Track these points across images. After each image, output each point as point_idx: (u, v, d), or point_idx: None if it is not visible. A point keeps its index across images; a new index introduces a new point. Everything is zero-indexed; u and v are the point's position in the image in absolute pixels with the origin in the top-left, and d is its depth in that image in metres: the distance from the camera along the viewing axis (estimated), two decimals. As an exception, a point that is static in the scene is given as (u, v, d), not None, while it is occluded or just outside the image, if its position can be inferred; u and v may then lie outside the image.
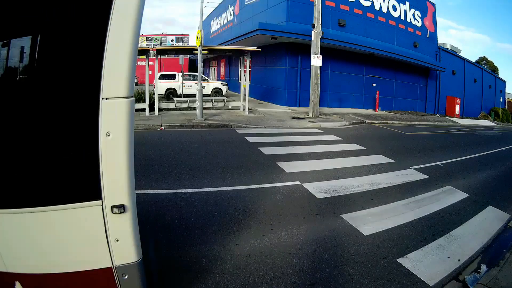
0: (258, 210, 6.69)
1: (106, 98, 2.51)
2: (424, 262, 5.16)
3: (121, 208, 2.66)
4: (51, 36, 2.52)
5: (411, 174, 10.14)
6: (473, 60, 53.91)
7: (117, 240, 2.74)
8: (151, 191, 7.48)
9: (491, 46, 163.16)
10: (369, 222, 6.44)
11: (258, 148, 12.07)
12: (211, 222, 6.04)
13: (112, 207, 2.64)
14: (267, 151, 11.67)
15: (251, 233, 5.70)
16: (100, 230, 2.68)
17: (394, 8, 31.90)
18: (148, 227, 5.67)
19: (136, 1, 2.48)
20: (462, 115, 38.28)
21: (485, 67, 60.09)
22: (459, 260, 5.31)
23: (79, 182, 2.64)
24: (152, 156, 10.68)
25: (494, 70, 69.21)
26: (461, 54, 43.21)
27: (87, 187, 2.64)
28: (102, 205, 2.64)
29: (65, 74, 2.55)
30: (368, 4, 29.72)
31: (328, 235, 5.81)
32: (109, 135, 2.54)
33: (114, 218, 2.67)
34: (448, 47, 40.89)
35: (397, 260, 5.12)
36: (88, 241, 2.74)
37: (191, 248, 5.09)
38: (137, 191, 7.11)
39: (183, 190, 7.55)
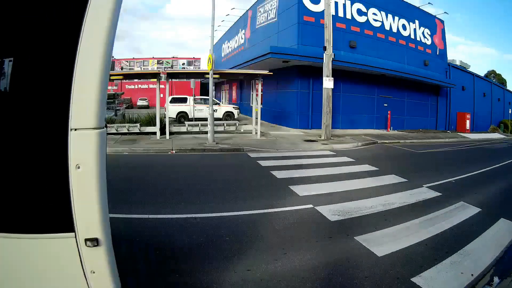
0: (270, 235, 6.70)
1: (75, 129, 2.46)
2: (438, 279, 5.14)
3: (94, 241, 2.61)
4: (17, 63, 2.49)
5: (424, 193, 10.13)
6: (482, 74, 55.46)
7: (93, 272, 2.70)
8: (161, 216, 7.51)
9: (498, 58, 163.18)
10: (383, 242, 6.43)
11: (271, 171, 12.12)
12: (223, 247, 6.03)
13: (86, 240, 2.60)
14: (279, 174, 11.70)
15: (263, 258, 5.68)
16: (76, 261, 2.64)
17: (404, 27, 32.24)
18: (157, 253, 5.74)
19: (106, 31, 2.46)
20: (473, 129, 38.44)
21: (494, 80, 60.69)
22: (472, 274, 5.29)
23: (50, 213, 2.60)
24: (162, 180, 10.82)
25: (503, 82, 69.89)
26: (470, 69, 43.47)
27: (59, 219, 2.59)
28: (75, 237, 2.60)
29: (31, 103, 2.50)
30: (378, 24, 30.10)
31: (342, 258, 5.80)
32: (78, 168, 2.49)
33: (89, 250, 2.63)
34: (458, 63, 41.07)
35: (411, 279, 5.10)
36: (66, 271, 2.71)
37: (201, 274, 5.09)
38: (146, 216, 7.31)
39: (193, 215, 7.56)
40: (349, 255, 5.91)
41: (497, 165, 15.97)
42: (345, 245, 6.34)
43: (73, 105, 2.45)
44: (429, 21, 35.39)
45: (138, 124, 20.99)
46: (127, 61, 75.53)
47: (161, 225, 7.03)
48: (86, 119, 2.48)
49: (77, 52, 2.44)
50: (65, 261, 2.67)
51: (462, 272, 5.36)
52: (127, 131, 20.62)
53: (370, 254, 5.92)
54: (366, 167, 13.63)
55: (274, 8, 30.97)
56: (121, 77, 23.74)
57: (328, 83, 22.09)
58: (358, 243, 6.40)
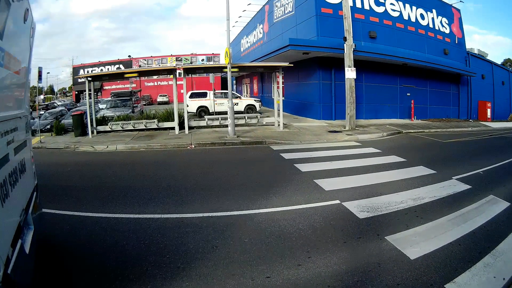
0: (293, 235, 6.28)
1: None
2: (472, 285, 4.75)
3: None
4: None
5: (454, 185, 9.62)
6: (499, 63, 53.88)
7: None
8: (174, 215, 7.24)
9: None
10: (415, 243, 5.98)
11: (294, 164, 11.77)
12: (240, 251, 5.65)
13: None
14: (303, 167, 11.33)
15: (285, 262, 5.26)
16: None
17: (422, 16, 31.80)
18: (167, 257, 5.40)
19: None
20: (494, 118, 37.60)
21: (511, 68, 59.82)
22: (504, 278, 4.88)
23: None
24: (178, 177, 10.59)
25: (519, 70, 68.90)
26: (487, 57, 42.56)
27: None
28: None
29: None
30: (396, 14, 29.67)
31: (372, 262, 5.32)
32: None
33: None
34: (476, 51, 40.30)
35: (444, 286, 4.67)
36: None
37: (215, 282, 4.74)
38: (157, 216, 7.01)
39: (210, 214, 7.24)
40: (380, 258, 5.44)
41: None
42: (376, 247, 5.87)
43: None
44: (446, 10, 34.69)
45: (155, 120, 20.94)
46: (145, 59, 76.51)
47: (173, 226, 6.71)
48: None
49: None
50: None
51: (494, 276, 4.97)
52: (144, 127, 20.60)
53: (402, 257, 5.45)
54: (393, 158, 13.15)
55: (291, 1, 30.79)
56: (135, 74, 23.59)
57: (350, 73, 21.75)
58: (390, 244, 5.95)
